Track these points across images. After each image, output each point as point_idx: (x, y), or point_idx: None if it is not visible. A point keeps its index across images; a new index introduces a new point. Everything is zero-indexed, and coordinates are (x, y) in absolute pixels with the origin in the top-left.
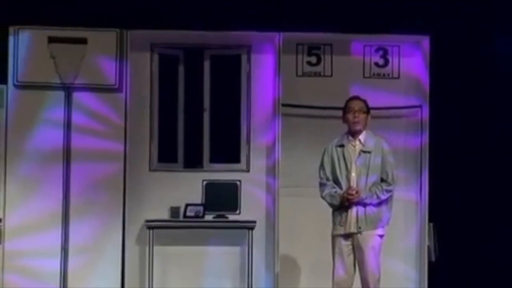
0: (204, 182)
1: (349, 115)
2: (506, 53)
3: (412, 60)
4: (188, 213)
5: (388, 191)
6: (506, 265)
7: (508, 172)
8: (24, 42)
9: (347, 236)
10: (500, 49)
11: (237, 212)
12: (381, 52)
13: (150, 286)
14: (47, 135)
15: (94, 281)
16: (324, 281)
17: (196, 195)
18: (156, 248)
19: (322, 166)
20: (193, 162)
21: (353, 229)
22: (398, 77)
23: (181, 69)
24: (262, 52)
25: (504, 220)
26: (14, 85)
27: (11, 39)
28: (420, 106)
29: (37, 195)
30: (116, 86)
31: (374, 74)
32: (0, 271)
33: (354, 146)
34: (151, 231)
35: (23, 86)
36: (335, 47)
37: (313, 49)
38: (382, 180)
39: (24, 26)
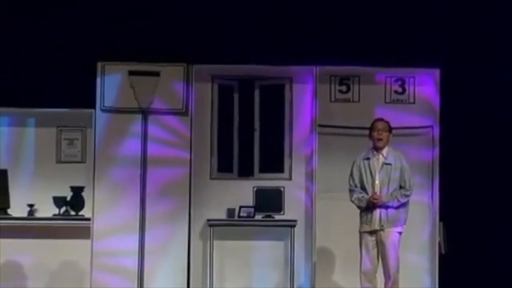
0: (255, 188)
1: (374, 133)
2: (506, 80)
3: (425, 88)
4: (241, 214)
5: (406, 195)
6: (505, 257)
7: (505, 180)
8: (109, 75)
9: (372, 232)
10: (501, 77)
11: (282, 212)
12: (399, 82)
13: (211, 273)
14: (127, 149)
15: (165, 271)
16: (354, 270)
17: (248, 199)
18: (215, 242)
19: (351, 175)
20: (245, 172)
21: (377, 227)
22: (414, 102)
23: (236, 96)
24: (302, 82)
25: (503, 220)
26: (101, 109)
27: (99, 73)
28: (432, 126)
29: (119, 198)
30: (184, 110)
31: (394, 100)
32: (89, 269)
33: (378, 159)
34: (211, 228)
35: (108, 110)
36: (362, 78)
37: (344, 80)
38: (401, 187)
39: (109, 62)
